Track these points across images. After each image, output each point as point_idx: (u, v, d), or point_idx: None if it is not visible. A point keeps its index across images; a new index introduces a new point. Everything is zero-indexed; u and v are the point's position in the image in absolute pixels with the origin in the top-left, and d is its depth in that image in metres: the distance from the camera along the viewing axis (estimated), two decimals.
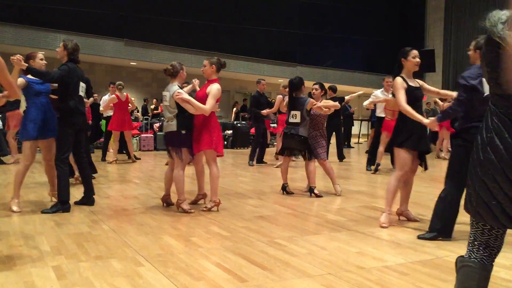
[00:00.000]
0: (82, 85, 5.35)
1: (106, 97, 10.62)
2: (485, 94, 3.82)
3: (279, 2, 20.22)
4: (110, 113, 10.45)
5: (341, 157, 11.07)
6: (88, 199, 5.51)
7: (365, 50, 21.65)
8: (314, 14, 21.15)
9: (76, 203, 5.46)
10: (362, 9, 22.13)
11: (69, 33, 16.09)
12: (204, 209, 5.24)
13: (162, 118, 14.81)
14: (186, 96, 5.01)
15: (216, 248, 3.82)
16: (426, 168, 4.81)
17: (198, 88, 5.67)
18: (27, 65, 4.85)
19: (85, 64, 16.16)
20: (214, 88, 5.12)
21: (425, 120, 4.31)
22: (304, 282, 3.06)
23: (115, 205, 5.60)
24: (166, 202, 5.49)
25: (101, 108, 10.59)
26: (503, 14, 1.85)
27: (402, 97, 4.46)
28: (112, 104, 9.98)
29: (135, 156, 10.58)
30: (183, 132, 5.09)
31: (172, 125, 5.10)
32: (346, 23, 21.82)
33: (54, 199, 5.44)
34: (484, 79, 3.84)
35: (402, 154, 4.56)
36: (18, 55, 4.84)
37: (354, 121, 16.95)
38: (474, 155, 2.03)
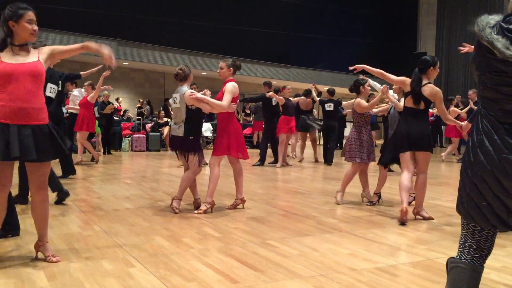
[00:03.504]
0: (51, 86, 5.16)
1: (76, 93, 10.16)
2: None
3: (273, 4, 20.26)
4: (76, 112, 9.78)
5: (330, 160, 10.99)
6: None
7: (358, 52, 21.73)
8: (308, 16, 21.25)
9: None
10: (355, 11, 22.26)
11: (61, 33, 16.04)
12: (200, 211, 5.17)
13: (168, 120, 14.65)
14: (200, 95, 5.06)
15: (208, 249, 3.81)
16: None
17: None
18: None
19: (77, 64, 16.17)
20: (229, 84, 5.16)
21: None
22: (296, 283, 3.06)
23: (106, 206, 5.57)
24: (197, 207, 5.37)
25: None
26: (491, 18, 1.88)
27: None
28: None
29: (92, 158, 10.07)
30: (191, 138, 5.16)
31: (179, 130, 5.15)
32: (339, 25, 21.93)
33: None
34: None
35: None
36: None
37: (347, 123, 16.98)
38: (465, 157, 2.05)
